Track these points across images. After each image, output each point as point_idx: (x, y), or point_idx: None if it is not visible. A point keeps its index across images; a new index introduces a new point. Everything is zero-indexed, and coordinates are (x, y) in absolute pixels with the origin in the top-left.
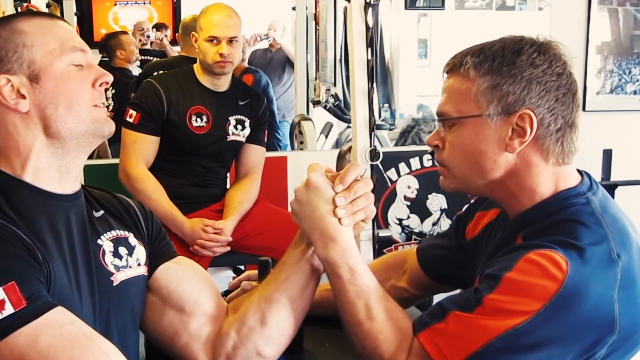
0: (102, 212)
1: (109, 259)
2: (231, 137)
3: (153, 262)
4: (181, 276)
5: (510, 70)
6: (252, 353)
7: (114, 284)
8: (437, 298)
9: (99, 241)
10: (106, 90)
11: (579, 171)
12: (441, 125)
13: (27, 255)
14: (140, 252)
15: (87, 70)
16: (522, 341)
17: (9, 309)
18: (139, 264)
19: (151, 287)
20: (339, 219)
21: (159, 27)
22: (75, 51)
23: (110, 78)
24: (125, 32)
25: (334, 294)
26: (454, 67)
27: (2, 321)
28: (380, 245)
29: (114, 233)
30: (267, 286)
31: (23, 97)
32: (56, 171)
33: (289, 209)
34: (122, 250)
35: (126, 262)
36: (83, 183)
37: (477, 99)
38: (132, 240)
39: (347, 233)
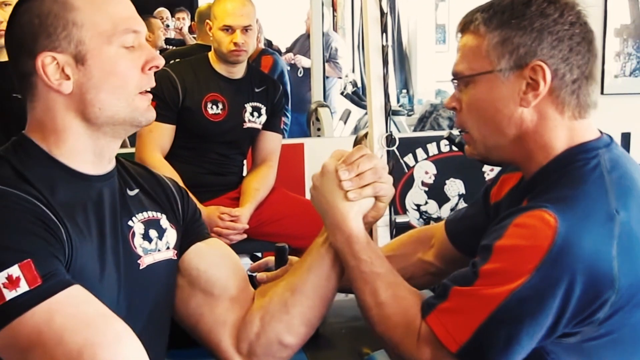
0: (136, 190)
1: (138, 241)
2: (247, 125)
3: (185, 242)
4: (212, 259)
5: (519, 22)
6: (274, 342)
7: (141, 267)
8: None
9: (130, 222)
10: None
11: (600, 132)
12: (456, 86)
13: (45, 233)
14: (171, 236)
15: (138, 52)
16: (523, 308)
17: (23, 287)
18: (167, 248)
19: (181, 268)
20: (345, 193)
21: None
22: (128, 33)
23: (161, 61)
24: (155, 17)
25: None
26: (465, 25)
27: (17, 299)
28: (398, 231)
29: (146, 214)
30: (292, 275)
31: (67, 77)
32: (91, 153)
33: (307, 196)
34: (153, 233)
35: (155, 246)
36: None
37: (488, 54)
38: (164, 222)
39: (353, 220)
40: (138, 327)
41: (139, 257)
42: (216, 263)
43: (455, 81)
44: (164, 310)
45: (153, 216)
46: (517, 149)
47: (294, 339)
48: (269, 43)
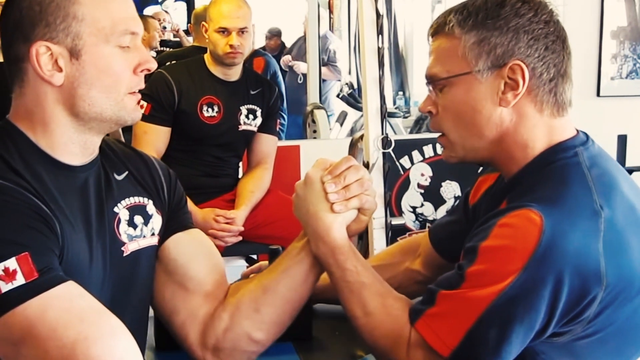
0: (125, 173)
1: (123, 228)
2: (243, 127)
3: (168, 230)
4: (191, 252)
5: (495, 22)
6: (243, 337)
7: (125, 254)
8: None
9: (115, 209)
10: None
11: (576, 129)
12: (432, 89)
13: (43, 226)
14: (157, 222)
15: (132, 53)
16: (512, 308)
17: (20, 280)
18: (152, 234)
19: (160, 255)
20: (331, 205)
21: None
22: (126, 34)
23: (154, 65)
24: (152, 17)
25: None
26: (439, 27)
27: (12, 292)
28: (394, 234)
29: (132, 200)
30: (267, 275)
31: (60, 69)
32: (76, 145)
33: None
34: (138, 219)
35: (140, 232)
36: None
37: (465, 56)
38: (150, 208)
39: (337, 231)
40: (121, 314)
41: (123, 243)
42: (195, 257)
43: (430, 84)
44: (146, 296)
45: (139, 202)
46: (497, 150)
47: (263, 335)
48: (282, 45)
